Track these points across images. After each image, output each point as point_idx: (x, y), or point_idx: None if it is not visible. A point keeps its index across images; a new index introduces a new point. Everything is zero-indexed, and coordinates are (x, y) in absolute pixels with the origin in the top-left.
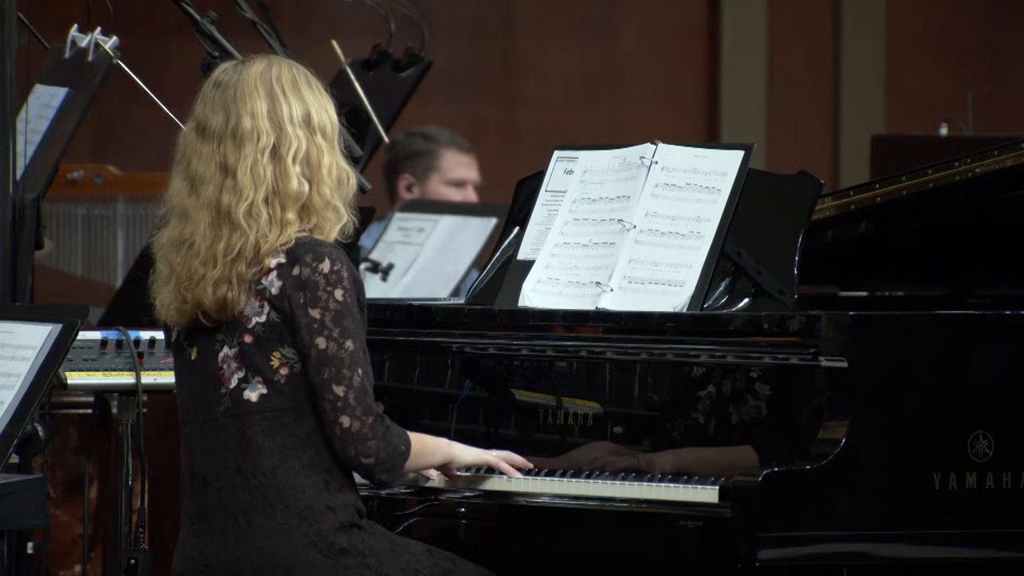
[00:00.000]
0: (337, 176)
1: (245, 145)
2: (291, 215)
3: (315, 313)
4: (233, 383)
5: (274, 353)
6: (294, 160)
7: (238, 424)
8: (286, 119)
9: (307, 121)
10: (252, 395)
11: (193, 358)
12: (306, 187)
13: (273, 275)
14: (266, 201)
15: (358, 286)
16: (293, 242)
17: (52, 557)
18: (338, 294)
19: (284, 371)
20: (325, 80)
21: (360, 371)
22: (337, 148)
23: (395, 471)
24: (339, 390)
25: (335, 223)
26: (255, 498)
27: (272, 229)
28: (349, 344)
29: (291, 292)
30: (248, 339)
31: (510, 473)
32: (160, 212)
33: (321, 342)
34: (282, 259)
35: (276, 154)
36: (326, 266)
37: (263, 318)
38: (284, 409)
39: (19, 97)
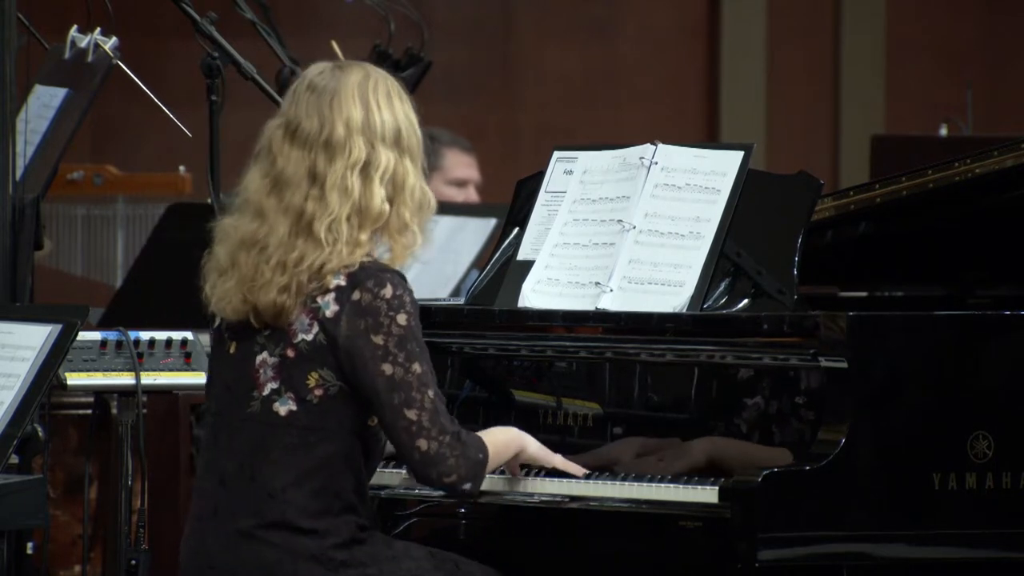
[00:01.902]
0: (420, 199)
1: (336, 158)
2: (364, 236)
3: (378, 340)
4: (266, 391)
5: (312, 373)
6: (381, 180)
7: (263, 433)
8: (378, 136)
9: (397, 140)
10: (282, 409)
11: (232, 352)
12: (387, 208)
13: (331, 296)
14: (348, 219)
15: (417, 310)
16: (356, 266)
17: (52, 557)
18: (401, 319)
19: (319, 392)
20: None
21: (431, 392)
22: (420, 168)
23: (478, 481)
24: (412, 414)
25: (406, 248)
26: (262, 509)
27: (345, 248)
28: (416, 367)
29: (349, 318)
30: (290, 353)
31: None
32: (232, 198)
33: (387, 368)
34: (342, 281)
35: (366, 172)
36: (388, 291)
37: (310, 336)
38: (310, 428)
39: (19, 97)
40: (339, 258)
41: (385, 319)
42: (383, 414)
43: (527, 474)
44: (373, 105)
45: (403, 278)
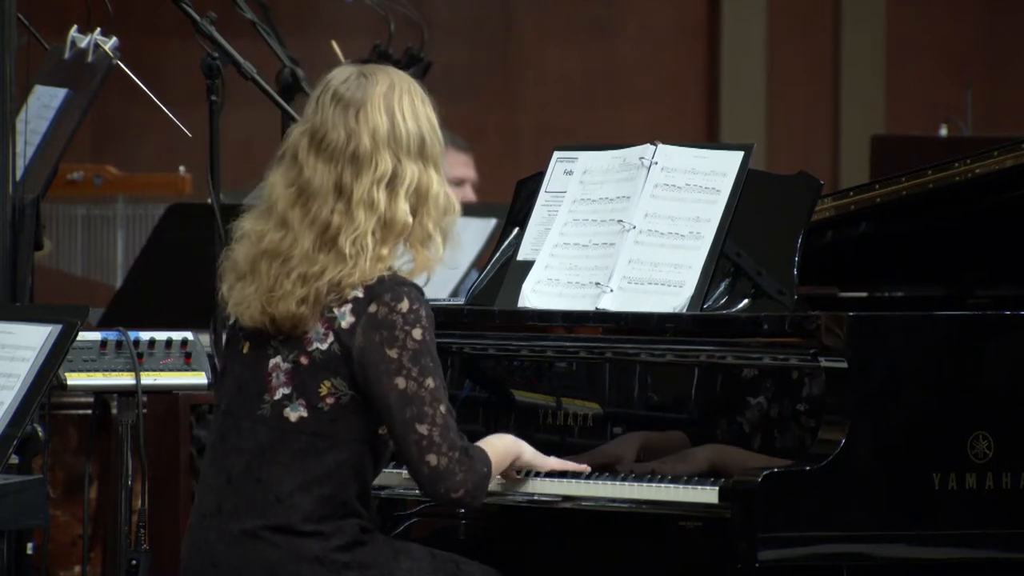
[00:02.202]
0: (444, 205)
1: (363, 172)
2: (386, 251)
3: (392, 353)
4: (278, 395)
5: (325, 382)
6: (406, 193)
7: (273, 436)
8: (404, 148)
9: (421, 150)
10: (292, 415)
11: (245, 352)
12: (410, 220)
13: (347, 307)
14: (373, 233)
15: (433, 324)
16: (375, 279)
17: (52, 557)
18: (416, 333)
19: (330, 400)
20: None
21: (443, 407)
22: (443, 173)
23: (481, 494)
24: (423, 429)
25: (427, 260)
26: (268, 512)
27: (368, 263)
28: (429, 382)
29: (364, 330)
30: (304, 360)
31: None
32: (253, 197)
33: (401, 382)
34: (360, 293)
35: (392, 186)
36: (404, 305)
37: (324, 346)
38: (320, 435)
39: (19, 97)
40: (361, 272)
41: (400, 333)
42: (394, 427)
43: (527, 475)
44: (399, 116)
45: (420, 292)
